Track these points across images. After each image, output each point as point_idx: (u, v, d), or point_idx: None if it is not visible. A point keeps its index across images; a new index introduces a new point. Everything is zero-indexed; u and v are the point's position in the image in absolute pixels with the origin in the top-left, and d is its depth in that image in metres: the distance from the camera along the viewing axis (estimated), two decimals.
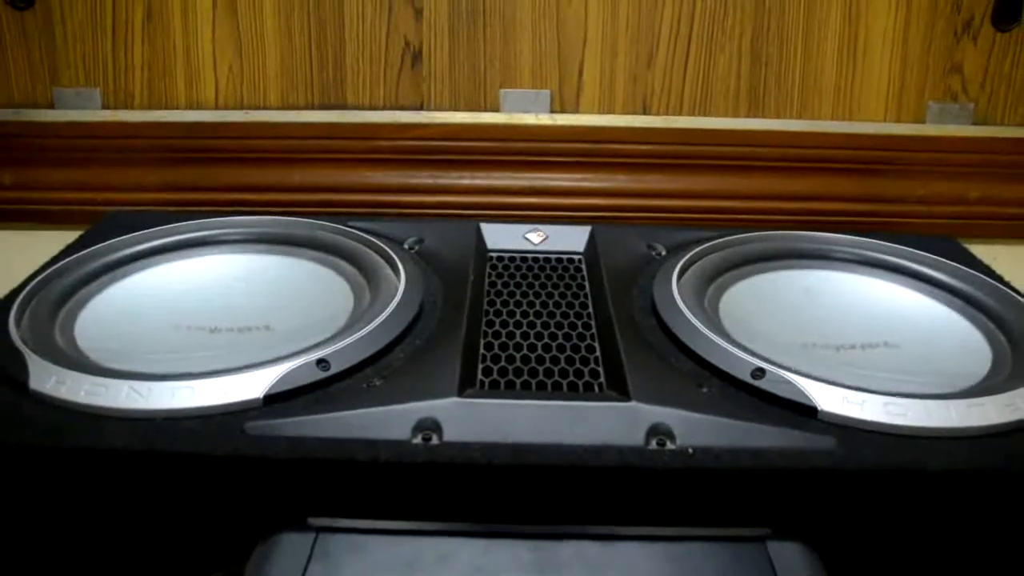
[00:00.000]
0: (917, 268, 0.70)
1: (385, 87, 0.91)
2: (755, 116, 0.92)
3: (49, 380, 0.51)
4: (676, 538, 0.49)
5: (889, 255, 0.72)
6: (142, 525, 0.51)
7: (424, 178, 0.92)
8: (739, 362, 0.55)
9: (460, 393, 0.51)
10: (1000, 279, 0.69)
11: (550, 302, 0.66)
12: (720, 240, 0.73)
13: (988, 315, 0.65)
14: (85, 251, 0.67)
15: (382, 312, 0.59)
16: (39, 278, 0.63)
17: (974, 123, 0.93)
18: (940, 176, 0.93)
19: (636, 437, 0.49)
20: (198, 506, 0.50)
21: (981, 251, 0.77)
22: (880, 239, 0.73)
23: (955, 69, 0.91)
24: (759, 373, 0.54)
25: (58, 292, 0.62)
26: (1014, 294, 0.66)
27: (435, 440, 0.49)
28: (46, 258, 0.69)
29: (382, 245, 0.69)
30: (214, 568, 0.52)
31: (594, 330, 0.62)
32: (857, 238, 0.74)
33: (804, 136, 0.92)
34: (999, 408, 0.52)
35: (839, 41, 0.90)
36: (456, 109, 0.92)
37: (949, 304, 0.67)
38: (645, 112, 0.92)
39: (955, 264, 0.69)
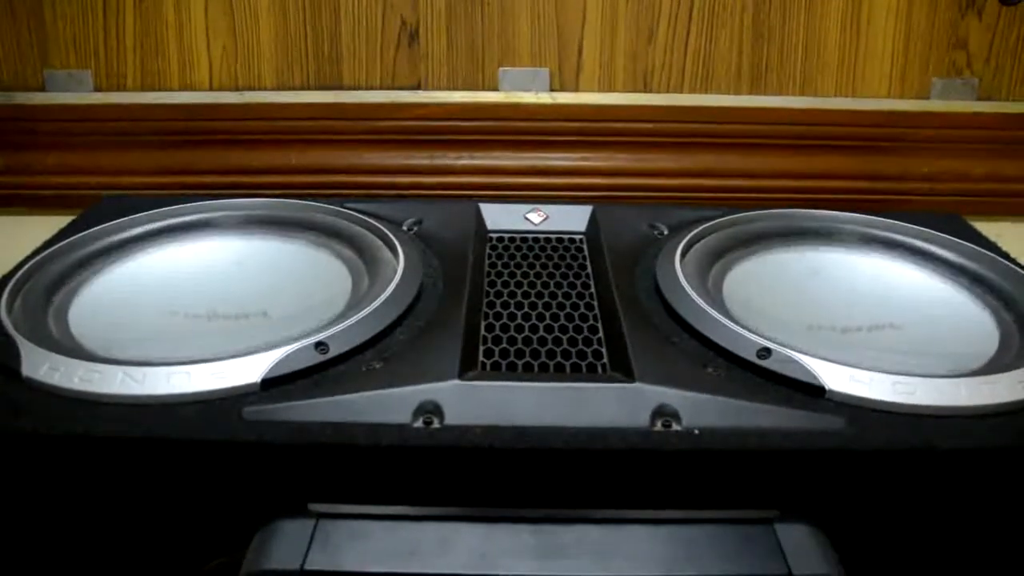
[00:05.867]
0: (923, 246, 0.69)
1: (382, 66, 0.90)
2: (757, 93, 0.91)
3: (42, 367, 0.50)
4: (682, 521, 0.49)
5: (894, 233, 0.71)
6: (139, 513, 0.50)
7: (422, 158, 0.91)
8: (745, 342, 0.54)
9: (461, 376, 0.51)
10: (1006, 256, 0.69)
11: (551, 283, 0.65)
12: (723, 219, 0.72)
13: (995, 293, 0.64)
14: (78, 236, 0.67)
15: (381, 294, 0.58)
16: (31, 263, 0.63)
17: (979, 99, 0.92)
18: (944, 153, 0.92)
19: (641, 419, 0.49)
20: (196, 493, 0.49)
21: (986, 228, 0.76)
22: (884, 217, 0.72)
23: (960, 44, 0.90)
24: (765, 353, 0.53)
25: (51, 278, 0.62)
26: (1021, 271, 0.65)
27: (436, 423, 0.48)
28: (38, 244, 0.68)
29: (380, 227, 0.68)
30: (214, 555, 0.52)
31: (596, 311, 0.61)
32: (861, 216, 0.73)
33: (807, 113, 0.90)
34: (1010, 386, 0.51)
35: (842, 16, 0.89)
36: (454, 88, 0.91)
37: (955, 282, 0.66)
38: (646, 90, 0.91)
39: (961, 242, 0.69)
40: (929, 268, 0.68)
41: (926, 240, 0.69)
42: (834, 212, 0.74)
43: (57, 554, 0.52)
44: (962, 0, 0.88)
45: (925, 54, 0.90)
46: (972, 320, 0.63)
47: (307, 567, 0.45)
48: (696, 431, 0.48)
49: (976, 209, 0.90)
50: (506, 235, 0.74)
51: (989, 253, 0.67)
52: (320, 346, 0.53)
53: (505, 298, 0.63)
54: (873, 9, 0.88)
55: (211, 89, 0.90)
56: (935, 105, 0.91)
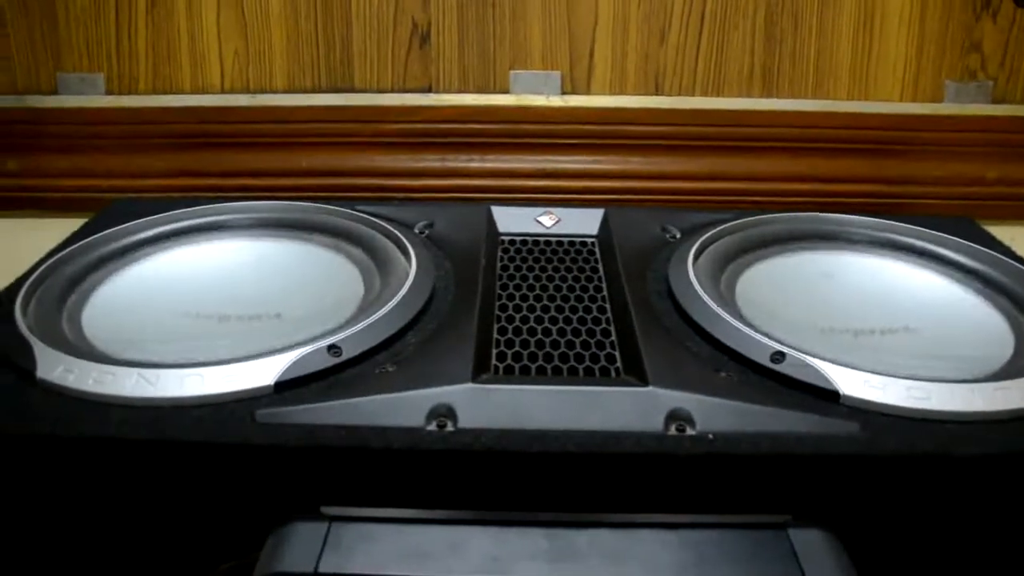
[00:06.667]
0: (937, 250, 0.69)
1: (393, 69, 0.90)
2: (769, 96, 0.91)
3: (56, 368, 0.50)
4: (695, 525, 0.49)
5: (907, 237, 0.71)
6: (152, 515, 0.50)
7: (433, 161, 0.91)
8: (758, 346, 0.54)
9: (474, 379, 0.50)
10: (1021, 260, 0.68)
11: (564, 286, 0.65)
12: (735, 222, 0.72)
13: (1010, 297, 0.64)
14: (92, 238, 0.67)
15: (393, 297, 0.58)
16: (45, 266, 0.63)
17: (993, 102, 0.91)
18: (957, 156, 0.91)
19: (655, 423, 0.48)
20: (209, 495, 0.49)
21: (999, 232, 0.76)
22: (897, 220, 0.72)
23: (974, 47, 0.90)
24: (779, 357, 0.53)
25: (65, 280, 0.62)
26: None
27: (449, 427, 0.48)
28: (51, 246, 0.68)
29: (392, 229, 0.68)
30: (226, 558, 0.52)
31: (609, 314, 0.61)
32: (874, 219, 0.72)
33: (819, 116, 0.90)
34: None
35: (855, 18, 0.88)
36: (465, 91, 0.91)
37: (970, 286, 0.66)
38: (657, 92, 0.91)
39: (975, 245, 0.68)
40: (943, 271, 0.68)
41: (940, 244, 0.69)
42: (847, 215, 0.73)
43: (71, 555, 0.52)
44: (976, 2, 0.88)
45: (939, 57, 0.90)
46: (986, 324, 0.62)
47: (320, 570, 0.45)
48: (710, 435, 0.48)
49: (989, 213, 0.89)
50: (518, 238, 0.74)
51: (1003, 257, 0.67)
52: (333, 349, 0.52)
53: (517, 301, 0.63)
54: (886, 11, 0.88)
55: (223, 92, 0.91)
56: (948, 108, 0.91)
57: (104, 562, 0.53)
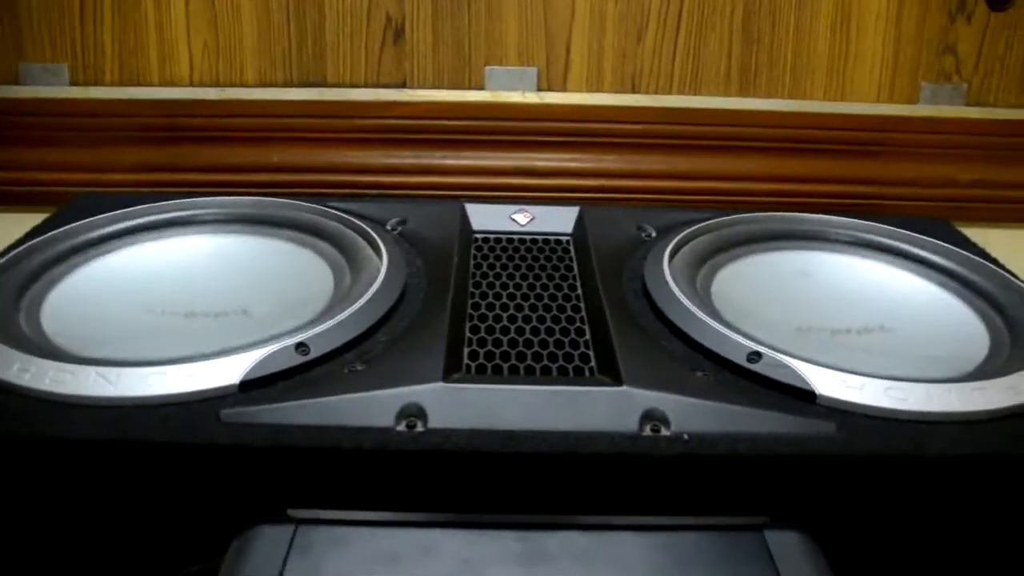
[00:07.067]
0: (913, 250, 0.69)
1: (367, 64, 0.89)
2: (746, 95, 0.91)
3: (12, 367, 0.49)
4: (670, 527, 0.48)
5: (885, 237, 0.71)
6: (113, 518, 0.49)
7: (407, 157, 0.90)
8: (734, 345, 0.53)
9: (445, 378, 0.50)
10: (995, 262, 0.68)
11: (537, 284, 0.65)
12: (711, 221, 0.71)
13: (985, 298, 0.64)
14: (51, 233, 0.65)
15: (363, 295, 0.57)
16: (2, 261, 0.61)
17: (967, 104, 0.92)
18: (932, 158, 0.92)
19: (629, 423, 0.48)
20: (172, 498, 0.48)
21: (973, 234, 0.76)
22: (872, 221, 0.72)
23: (949, 49, 0.90)
24: (755, 357, 0.52)
25: (22, 275, 0.60)
26: (1009, 276, 0.65)
27: (420, 427, 0.47)
28: (11, 241, 0.66)
29: (363, 226, 0.67)
30: (190, 562, 0.50)
31: (583, 313, 0.61)
32: (851, 220, 0.73)
33: (795, 116, 0.90)
34: (1001, 391, 0.51)
35: (832, 20, 0.89)
36: (440, 86, 0.90)
37: (945, 287, 0.66)
38: (634, 90, 0.90)
39: (950, 246, 0.68)
40: (919, 272, 0.68)
41: (918, 245, 0.69)
42: (824, 215, 0.73)
43: (27, 561, 0.51)
44: (952, 5, 0.88)
45: (914, 59, 0.90)
46: (962, 324, 0.62)
47: (286, 575, 0.44)
48: (685, 436, 0.47)
49: (963, 215, 0.90)
50: (492, 236, 0.73)
51: (978, 258, 0.67)
52: (301, 347, 0.51)
53: (490, 299, 0.62)
54: (863, 13, 0.88)
55: (191, 85, 0.89)
56: (923, 110, 0.91)
57: (63, 567, 0.51)
